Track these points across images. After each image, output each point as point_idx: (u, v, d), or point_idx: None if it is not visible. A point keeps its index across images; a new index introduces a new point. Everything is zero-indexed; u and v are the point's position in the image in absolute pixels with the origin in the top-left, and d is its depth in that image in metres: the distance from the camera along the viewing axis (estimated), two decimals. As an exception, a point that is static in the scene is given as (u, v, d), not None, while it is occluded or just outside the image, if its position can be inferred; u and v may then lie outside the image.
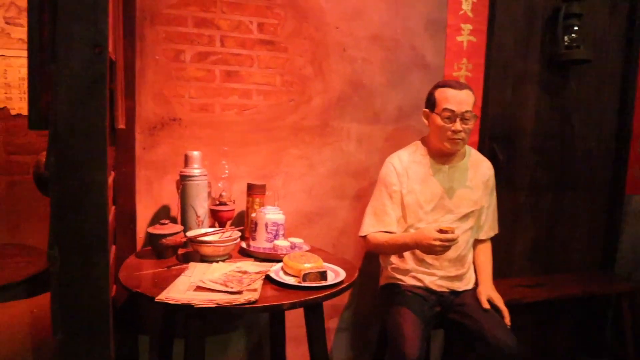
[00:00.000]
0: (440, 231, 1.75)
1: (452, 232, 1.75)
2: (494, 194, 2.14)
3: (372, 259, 2.34)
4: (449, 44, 2.39)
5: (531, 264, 2.88)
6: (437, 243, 1.72)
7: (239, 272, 1.58)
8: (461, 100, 1.90)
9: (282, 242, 1.82)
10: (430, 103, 1.96)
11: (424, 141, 2.06)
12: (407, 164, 2.01)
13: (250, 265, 1.66)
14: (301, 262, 1.61)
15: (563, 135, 2.85)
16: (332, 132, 2.23)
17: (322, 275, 1.55)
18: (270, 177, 2.16)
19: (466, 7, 2.39)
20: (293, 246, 1.84)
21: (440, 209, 2.00)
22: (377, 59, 2.27)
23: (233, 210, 1.99)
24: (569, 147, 2.87)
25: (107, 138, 1.01)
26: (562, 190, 2.89)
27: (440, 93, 1.93)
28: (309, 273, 1.53)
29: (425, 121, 2.01)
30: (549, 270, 2.90)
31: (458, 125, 1.90)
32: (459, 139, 1.92)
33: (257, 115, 2.12)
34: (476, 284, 2.09)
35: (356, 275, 1.68)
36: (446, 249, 1.76)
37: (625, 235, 3.10)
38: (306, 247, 1.88)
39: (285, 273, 1.62)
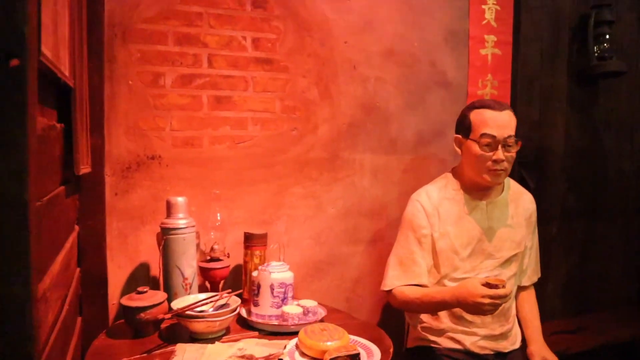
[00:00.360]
0: (487, 285, 1.42)
1: (503, 286, 1.41)
2: (536, 231, 1.81)
3: (393, 312, 1.97)
4: (472, 58, 2.07)
5: (564, 303, 2.54)
6: (486, 301, 1.38)
7: (243, 358, 1.21)
8: (503, 123, 1.58)
9: (292, 309, 1.45)
10: (464, 127, 1.63)
11: (456, 173, 1.72)
12: (438, 202, 1.67)
13: (255, 346, 1.28)
14: (322, 340, 1.24)
15: (594, 156, 2.54)
16: (343, 165, 1.88)
17: (354, 358, 1.19)
18: (270, 223, 1.79)
19: (489, 15, 2.08)
20: (306, 312, 1.47)
21: (479, 254, 1.66)
22: (392, 77, 1.94)
23: (228, 266, 1.62)
24: (601, 169, 2.56)
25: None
26: (595, 217, 2.57)
27: (476, 115, 1.60)
28: (336, 357, 1.17)
29: (458, 150, 1.67)
30: (583, 310, 2.57)
31: (500, 154, 1.56)
32: (502, 169, 1.59)
33: (253, 149, 1.76)
34: (523, 341, 1.74)
35: (391, 351, 1.32)
36: (496, 307, 1.42)
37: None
38: (322, 312, 1.51)
39: (303, 354, 1.25)
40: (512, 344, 1.71)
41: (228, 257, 1.63)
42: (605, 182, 2.59)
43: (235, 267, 1.73)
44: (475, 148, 1.58)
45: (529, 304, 1.80)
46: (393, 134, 1.95)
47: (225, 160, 1.72)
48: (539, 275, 1.84)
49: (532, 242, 1.78)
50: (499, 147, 1.57)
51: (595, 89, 2.49)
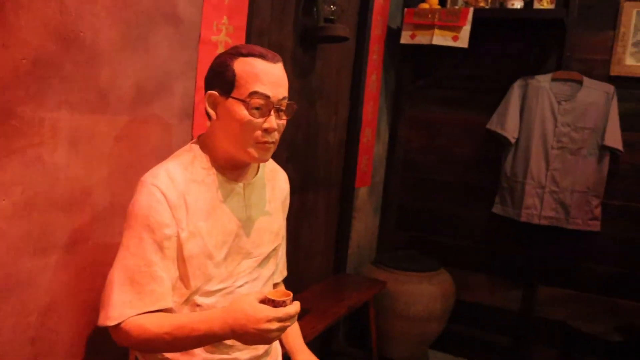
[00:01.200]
0: (270, 302, 1.04)
1: (291, 300, 1.07)
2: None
3: (112, 348, 1.36)
4: (207, -8, 1.57)
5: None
6: (274, 326, 1.04)
7: None
8: (278, 80, 1.18)
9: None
10: (224, 81, 1.15)
11: (205, 145, 1.23)
12: (184, 187, 1.16)
13: None
14: None
15: (308, 125, 2.40)
16: (22, 128, 1.12)
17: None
18: None
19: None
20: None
21: (236, 255, 1.24)
22: (102, -4, 1.27)
23: None
24: (313, 139, 2.45)
25: None
26: (307, 189, 2.45)
27: (244, 65, 1.14)
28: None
29: (212, 112, 1.19)
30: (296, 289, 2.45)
31: (273, 121, 1.16)
32: (272, 142, 1.19)
33: None
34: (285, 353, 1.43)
35: None
36: (283, 330, 1.06)
37: (353, 232, 2.93)
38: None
39: None
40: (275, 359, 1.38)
41: None
42: (316, 153, 2.49)
43: None
44: (241, 111, 1.13)
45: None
46: (103, 83, 1.29)
47: None
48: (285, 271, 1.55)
49: (284, 230, 1.46)
50: (272, 111, 1.16)
51: (314, 54, 2.33)
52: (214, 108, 1.18)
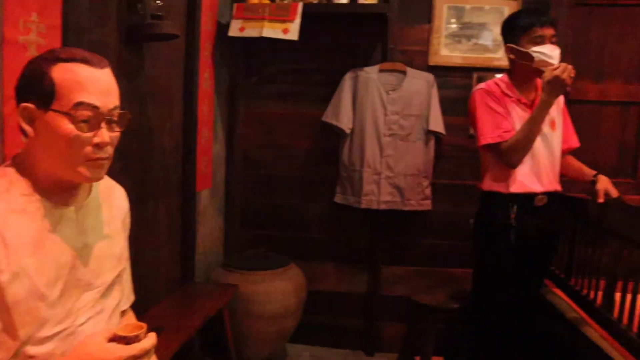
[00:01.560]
0: (118, 339, 0.94)
1: (144, 333, 0.97)
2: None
3: None
4: (7, -16, 1.33)
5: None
6: None
7: None
8: (106, 87, 1.05)
9: None
10: (41, 92, 0.99)
11: (22, 168, 1.05)
12: (1, 220, 0.97)
13: None
14: None
15: (141, 130, 2.22)
16: None
17: None
18: None
19: None
20: None
21: (73, 289, 1.09)
22: None
23: None
24: (147, 144, 2.27)
25: None
26: (145, 198, 2.28)
27: (65, 72, 0.99)
28: None
29: (29, 128, 1.01)
30: (149, 301, 2.27)
31: (105, 134, 1.03)
32: (106, 157, 1.06)
33: None
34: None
35: None
36: None
37: (198, 237, 2.81)
38: None
39: None
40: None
41: None
42: (152, 160, 2.32)
43: None
44: (66, 125, 0.99)
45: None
46: None
47: None
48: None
49: (127, 252, 1.32)
50: (102, 123, 1.03)
51: (142, 53, 2.15)
52: (31, 123, 1.00)
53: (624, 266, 2.00)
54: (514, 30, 2.16)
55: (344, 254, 3.20)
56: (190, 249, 2.64)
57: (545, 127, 2.16)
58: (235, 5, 2.89)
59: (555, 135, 2.22)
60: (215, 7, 2.86)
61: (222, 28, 2.93)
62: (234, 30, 2.85)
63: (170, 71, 2.45)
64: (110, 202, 1.23)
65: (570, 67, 1.95)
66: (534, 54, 2.07)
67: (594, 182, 2.11)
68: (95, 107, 0.99)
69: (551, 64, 2.01)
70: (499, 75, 2.41)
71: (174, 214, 2.53)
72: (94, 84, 1.00)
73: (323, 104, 3.09)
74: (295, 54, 3.11)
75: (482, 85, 2.29)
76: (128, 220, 1.31)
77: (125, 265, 1.26)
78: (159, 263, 2.39)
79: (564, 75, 1.94)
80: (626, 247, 2.04)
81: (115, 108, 1.05)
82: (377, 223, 3.11)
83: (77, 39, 1.66)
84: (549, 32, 2.08)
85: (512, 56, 2.18)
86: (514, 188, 2.16)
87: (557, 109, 2.22)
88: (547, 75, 1.98)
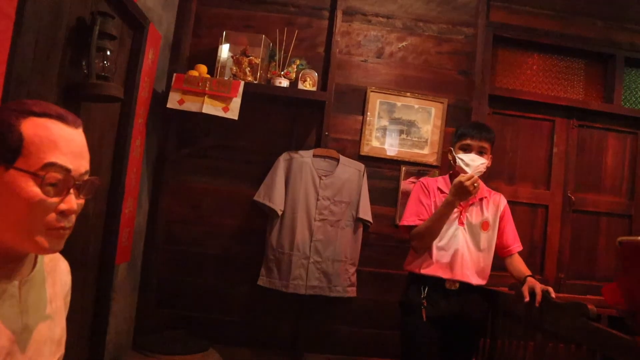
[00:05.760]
0: None
1: None
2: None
3: None
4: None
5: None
6: None
7: None
8: (79, 149, 0.96)
9: None
10: (6, 146, 0.88)
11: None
12: None
13: None
14: None
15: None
16: None
17: None
18: None
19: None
20: None
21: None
22: None
23: None
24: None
25: None
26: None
27: (36, 128, 0.90)
28: None
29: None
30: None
31: (73, 201, 0.93)
32: (69, 227, 0.94)
33: None
34: None
35: None
36: None
37: (112, 317, 2.55)
38: None
39: None
40: None
41: None
42: (74, 226, 2.11)
43: None
44: (30, 188, 0.87)
45: None
46: None
47: None
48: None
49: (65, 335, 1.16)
50: (71, 189, 0.92)
51: (78, 113, 2.01)
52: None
53: (549, 359, 2.08)
54: (455, 136, 2.42)
55: (266, 339, 3.04)
56: (102, 328, 2.37)
57: (476, 227, 2.33)
58: (174, 75, 2.84)
59: (486, 235, 2.36)
60: (153, 74, 2.80)
61: (157, 96, 2.85)
62: (173, 102, 2.78)
63: (103, 135, 2.31)
64: (54, 276, 1.08)
65: (475, 177, 2.18)
66: (458, 160, 2.32)
67: (522, 283, 2.22)
68: (66, 170, 0.89)
69: (466, 171, 2.24)
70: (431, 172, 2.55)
71: (88, 290, 2.29)
72: (68, 144, 0.91)
73: (253, 182, 3.05)
74: (230, 130, 3.08)
75: (422, 179, 2.53)
76: (69, 297, 1.16)
77: (63, 351, 1.09)
78: (66, 346, 2.11)
79: (467, 183, 2.15)
80: (550, 341, 2.13)
81: (86, 172, 0.95)
82: (301, 308, 3.02)
83: (17, 89, 1.53)
84: (477, 143, 2.30)
85: (450, 157, 2.37)
86: (425, 270, 2.31)
87: (496, 213, 2.40)
88: (455, 180, 2.19)
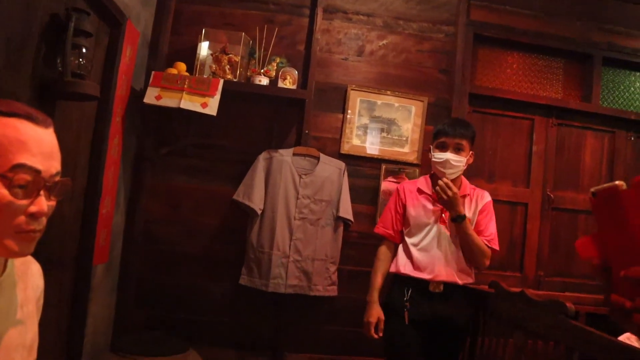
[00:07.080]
0: None
1: None
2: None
3: None
4: None
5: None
6: None
7: None
8: (50, 149, 0.93)
9: None
10: None
11: None
12: None
13: None
14: None
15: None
16: None
17: None
18: None
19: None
20: None
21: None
22: None
23: None
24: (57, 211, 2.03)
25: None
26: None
27: (4, 128, 0.87)
28: None
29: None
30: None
31: (43, 203, 0.90)
32: (39, 230, 0.92)
33: None
34: None
35: None
36: None
37: (90, 318, 2.51)
38: None
39: None
40: None
41: None
42: (49, 229, 2.06)
43: None
44: (1, 192, 0.84)
45: None
46: None
47: None
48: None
49: (37, 340, 1.12)
50: (42, 191, 0.89)
51: (52, 111, 1.97)
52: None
53: (528, 356, 2.10)
54: (433, 135, 2.43)
55: (247, 339, 3.02)
56: (79, 329, 2.33)
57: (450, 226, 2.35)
58: (153, 73, 2.80)
59: None
60: (130, 72, 2.75)
61: (135, 94, 2.81)
62: (150, 98, 2.74)
63: (79, 134, 2.26)
64: (26, 280, 1.05)
65: (442, 184, 2.25)
66: (432, 157, 2.36)
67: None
68: (36, 171, 0.87)
69: (441, 172, 2.32)
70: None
71: (65, 291, 2.24)
72: (37, 144, 0.88)
73: (233, 181, 3.03)
74: (210, 129, 3.05)
75: (403, 182, 2.59)
76: (42, 301, 1.13)
77: (35, 356, 1.06)
78: (43, 343, 2.07)
79: (441, 192, 2.25)
80: (530, 339, 2.15)
81: (57, 174, 0.92)
82: (282, 308, 3.00)
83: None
84: (453, 140, 2.31)
85: (430, 156, 2.38)
86: (407, 271, 2.34)
87: (476, 210, 2.38)
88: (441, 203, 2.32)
